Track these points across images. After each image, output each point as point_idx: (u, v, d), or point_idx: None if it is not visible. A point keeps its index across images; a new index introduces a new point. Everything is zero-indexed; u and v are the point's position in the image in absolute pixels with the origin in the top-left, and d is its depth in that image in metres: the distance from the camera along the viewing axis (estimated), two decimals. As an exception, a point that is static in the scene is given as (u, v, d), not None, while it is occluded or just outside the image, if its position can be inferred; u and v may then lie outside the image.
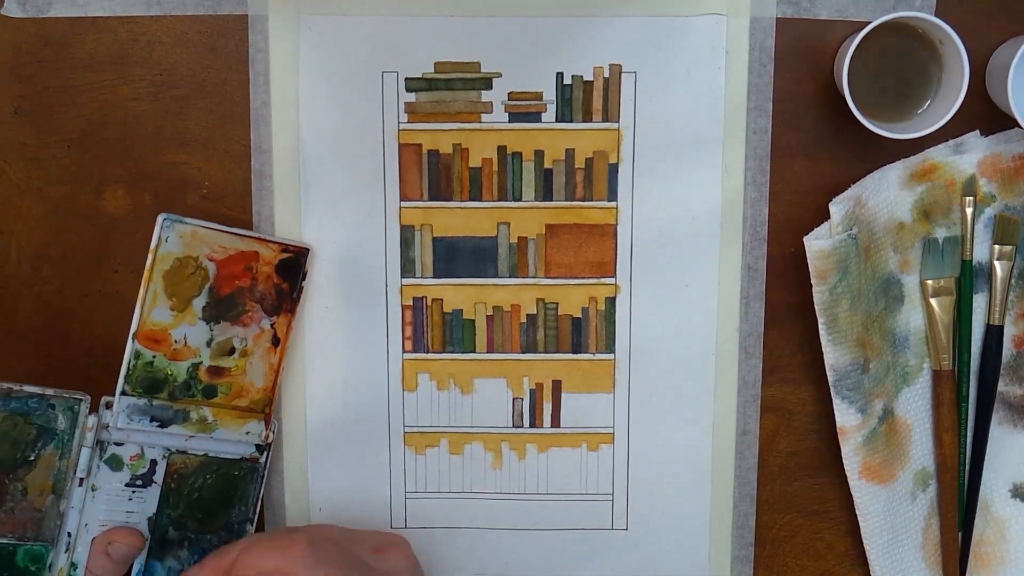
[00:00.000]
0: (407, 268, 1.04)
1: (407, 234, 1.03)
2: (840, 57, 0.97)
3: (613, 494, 1.07)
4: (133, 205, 1.03)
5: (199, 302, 0.98)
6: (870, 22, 0.94)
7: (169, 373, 0.98)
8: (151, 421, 0.97)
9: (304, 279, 1.02)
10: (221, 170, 1.03)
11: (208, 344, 0.99)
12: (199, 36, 1.01)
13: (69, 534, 0.96)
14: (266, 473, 1.03)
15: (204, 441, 1.00)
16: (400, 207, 1.03)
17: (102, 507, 0.97)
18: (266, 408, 1.03)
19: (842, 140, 1.02)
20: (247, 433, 1.02)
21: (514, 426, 1.06)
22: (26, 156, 1.02)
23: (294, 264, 1.01)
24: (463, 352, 1.06)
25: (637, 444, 1.06)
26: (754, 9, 1.00)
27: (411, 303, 1.05)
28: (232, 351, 1.00)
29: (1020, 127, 0.96)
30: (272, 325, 1.02)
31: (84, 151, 1.02)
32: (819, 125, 1.02)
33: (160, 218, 0.95)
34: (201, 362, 0.99)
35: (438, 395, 1.06)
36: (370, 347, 1.05)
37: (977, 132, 1.01)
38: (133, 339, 0.96)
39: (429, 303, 1.05)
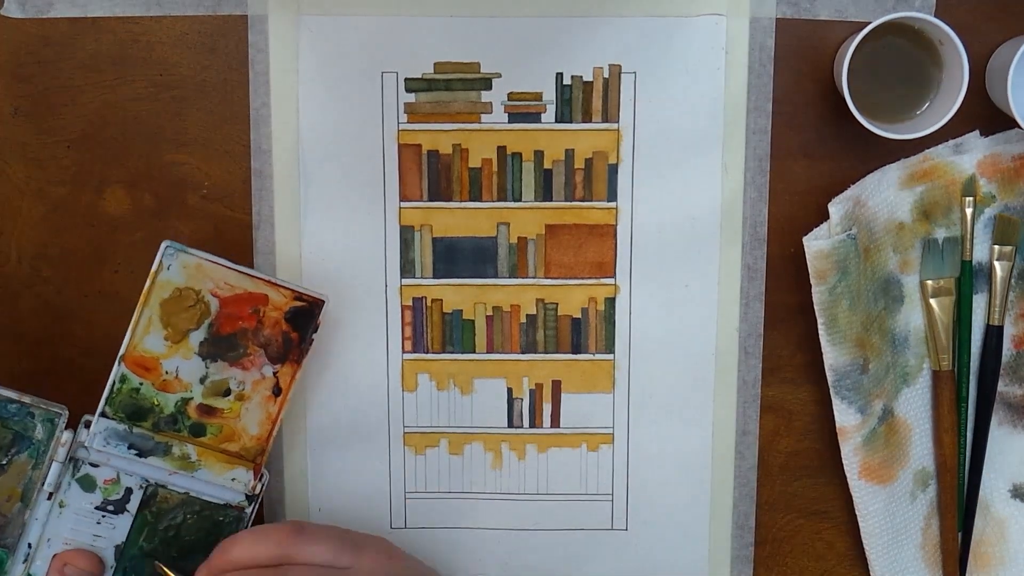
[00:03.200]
0: (407, 268, 1.04)
1: (407, 234, 1.03)
2: (840, 57, 0.97)
3: (613, 494, 1.07)
4: (133, 205, 1.03)
5: (196, 336, 0.97)
6: (870, 22, 0.94)
7: (156, 403, 0.97)
8: (129, 448, 0.97)
9: (316, 331, 0.99)
10: (221, 170, 1.03)
11: (202, 381, 0.98)
12: (199, 36, 1.01)
13: (29, 545, 0.96)
14: (251, 523, 1.01)
15: (187, 480, 0.99)
16: (400, 207, 1.03)
17: (68, 525, 0.97)
18: (257, 457, 1.00)
19: (842, 140, 1.02)
20: (233, 479, 1.00)
21: (514, 426, 1.06)
22: (26, 156, 1.02)
23: (306, 313, 0.99)
24: (463, 352, 1.06)
25: (637, 444, 1.06)
26: (754, 9, 1.00)
27: (411, 303, 1.05)
28: (228, 393, 0.99)
29: (1020, 127, 0.96)
30: (275, 374, 0.99)
31: (84, 151, 1.02)
32: (819, 125, 1.02)
33: (163, 245, 0.95)
34: (192, 398, 0.98)
35: (438, 395, 1.06)
36: (370, 347, 1.05)
37: (977, 132, 1.01)
38: (120, 362, 0.96)
39: (429, 303, 1.05)
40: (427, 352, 1.05)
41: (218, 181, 1.03)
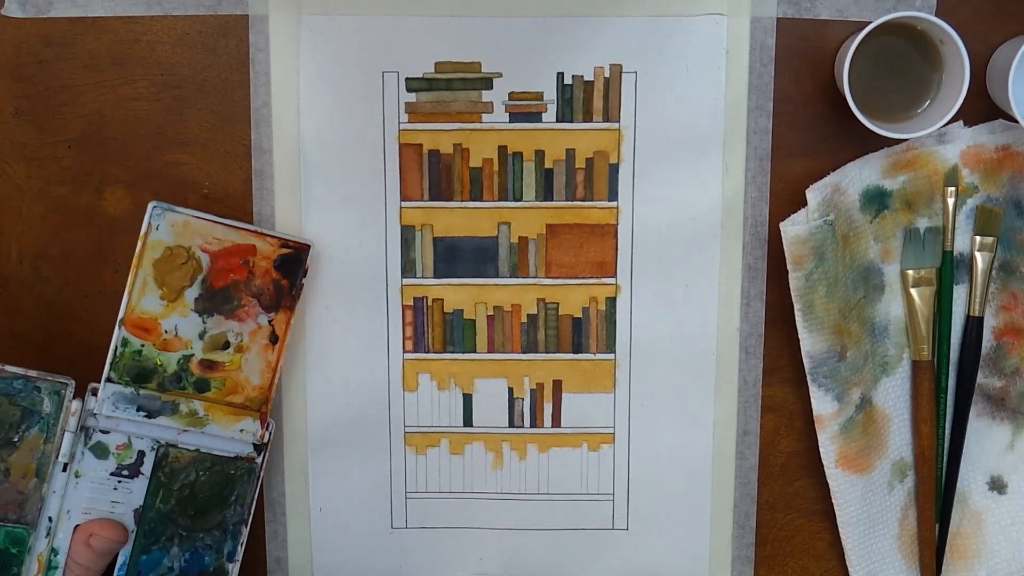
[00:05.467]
0: (408, 268, 1.04)
1: (408, 234, 1.03)
2: (840, 57, 0.98)
3: (614, 494, 1.07)
4: (133, 205, 1.02)
5: (191, 293, 0.98)
6: (870, 22, 0.94)
7: (158, 363, 0.97)
8: (138, 411, 0.97)
9: (304, 276, 1.01)
10: (221, 170, 1.02)
11: (201, 337, 0.99)
12: (199, 36, 1.01)
13: (50, 519, 0.96)
14: (262, 474, 1.02)
15: (196, 436, 0.99)
16: (401, 207, 1.03)
17: (86, 494, 0.97)
18: (262, 407, 1.01)
19: (842, 140, 1.03)
20: (241, 431, 1.00)
21: (515, 426, 1.07)
22: (26, 156, 1.02)
23: (294, 260, 1.00)
24: (464, 352, 1.06)
25: (638, 444, 1.07)
26: (754, 9, 1.01)
27: (412, 303, 1.04)
28: (227, 345, 0.99)
29: (1021, 126, 0.97)
30: (270, 322, 1.00)
31: (84, 151, 1.02)
32: (820, 125, 1.03)
33: (150, 206, 0.95)
34: (193, 354, 0.99)
35: (438, 395, 1.06)
36: (370, 347, 1.05)
37: (961, 122, 1.02)
38: (120, 325, 0.96)
39: (430, 303, 1.04)
40: (428, 352, 1.05)
41: (219, 181, 1.02)
